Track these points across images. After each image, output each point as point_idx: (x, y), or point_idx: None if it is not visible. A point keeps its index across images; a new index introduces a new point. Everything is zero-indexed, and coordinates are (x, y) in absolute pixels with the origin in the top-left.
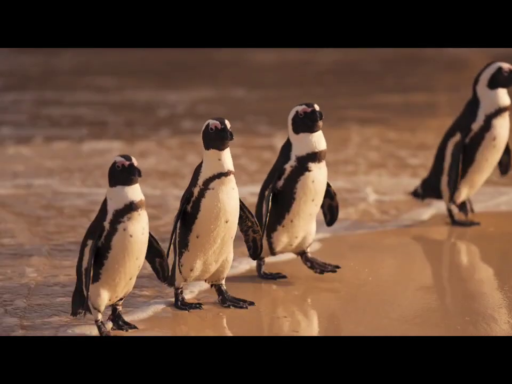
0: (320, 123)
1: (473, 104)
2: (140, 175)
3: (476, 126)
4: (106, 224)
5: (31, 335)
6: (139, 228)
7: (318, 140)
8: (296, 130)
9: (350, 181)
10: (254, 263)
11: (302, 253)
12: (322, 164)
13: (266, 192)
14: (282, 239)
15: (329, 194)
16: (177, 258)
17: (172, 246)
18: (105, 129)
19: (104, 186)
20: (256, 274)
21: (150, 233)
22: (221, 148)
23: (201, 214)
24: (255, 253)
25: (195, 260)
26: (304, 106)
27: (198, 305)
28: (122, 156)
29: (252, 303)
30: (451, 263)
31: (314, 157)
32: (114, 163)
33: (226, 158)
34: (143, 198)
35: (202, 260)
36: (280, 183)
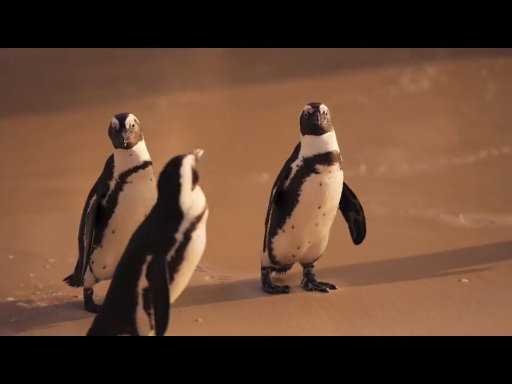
0: (325, 125)
1: None
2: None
3: None
4: (179, 236)
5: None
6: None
7: (328, 141)
8: (302, 131)
9: None
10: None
11: (305, 265)
12: (334, 168)
13: (273, 191)
14: (282, 245)
15: (355, 207)
16: (85, 255)
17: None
18: None
19: None
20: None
21: None
22: (126, 147)
23: (118, 207)
24: None
25: (109, 257)
26: (308, 106)
27: None
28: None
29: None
30: None
31: (323, 158)
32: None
33: (138, 151)
34: None
35: (116, 257)
36: (287, 182)
